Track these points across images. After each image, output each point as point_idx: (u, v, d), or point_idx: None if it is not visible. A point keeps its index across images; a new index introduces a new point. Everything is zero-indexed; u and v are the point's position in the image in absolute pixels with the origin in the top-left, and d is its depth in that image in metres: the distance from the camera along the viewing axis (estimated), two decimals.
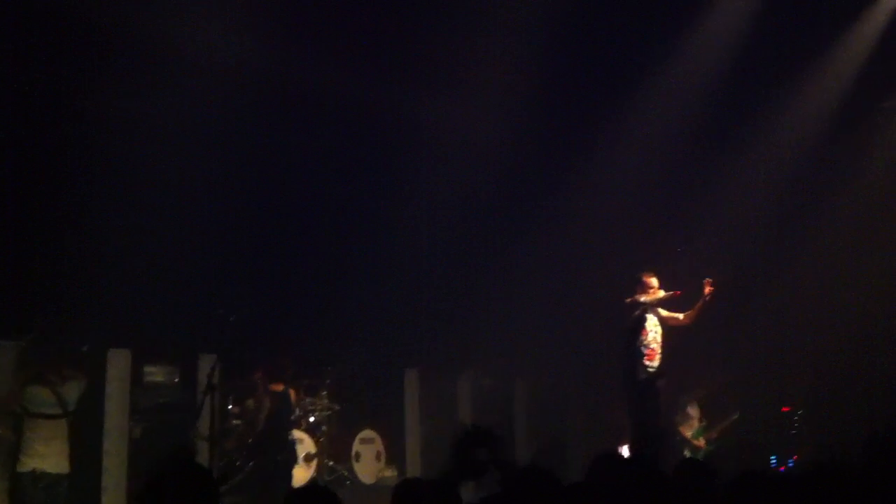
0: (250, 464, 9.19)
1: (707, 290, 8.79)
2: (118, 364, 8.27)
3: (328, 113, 9.46)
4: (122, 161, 8.29)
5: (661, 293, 8.89)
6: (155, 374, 8.61)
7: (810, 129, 10.44)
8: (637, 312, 8.89)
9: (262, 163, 9.32)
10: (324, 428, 9.92)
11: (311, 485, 8.97)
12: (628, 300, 8.89)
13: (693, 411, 10.53)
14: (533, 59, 9.05)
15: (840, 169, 10.84)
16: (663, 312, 8.98)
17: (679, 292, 8.83)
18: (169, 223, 8.61)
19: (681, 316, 8.98)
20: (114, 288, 8.06)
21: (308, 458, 9.65)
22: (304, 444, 9.66)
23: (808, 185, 10.73)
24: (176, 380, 8.73)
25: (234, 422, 9.32)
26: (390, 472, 10.29)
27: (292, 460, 9.28)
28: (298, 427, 9.71)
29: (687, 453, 10.16)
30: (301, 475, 9.46)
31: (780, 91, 10.27)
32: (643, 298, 8.85)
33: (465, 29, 8.79)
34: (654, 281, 8.97)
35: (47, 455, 7.38)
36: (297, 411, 9.78)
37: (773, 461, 10.90)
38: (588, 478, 4.15)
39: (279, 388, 9.05)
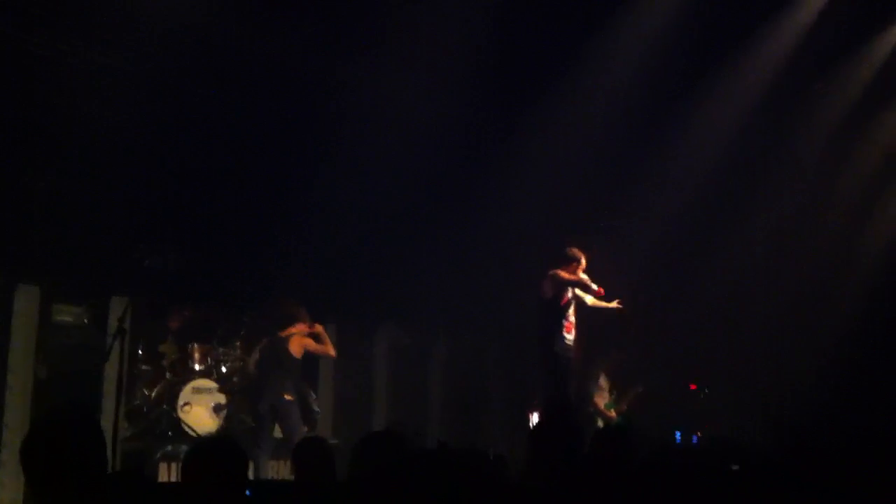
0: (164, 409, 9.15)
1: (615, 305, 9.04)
2: (26, 300, 8.09)
3: (264, 70, 9.30)
4: (44, 100, 8.07)
5: (585, 277, 9.00)
6: (64, 313, 8.43)
7: (741, 109, 10.60)
8: (562, 287, 8.98)
9: (189, 112, 9.12)
10: (235, 379, 9.83)
11: (219, 436, 8.96)
12: (561, 275, 8.92)
13: (604, 382, 10.70)
14: (474, 29, 9.01)
15: (768, 153, 11.06)
16: (579, 292, 9.11)
17: (602, 290, 8.94)
18: (88, 162, 8.40)
19: (589, 300, 9.13)
20: (25, 222, 7.86)
21: (217, 409, 9.58)
22: (215, 394, 9.58)
23: (732, 170, 10.91)
24: (85, 321, 8.56)
25: (144, 367, 9.21)
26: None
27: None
28: (210, 377, 9.64)
29: (600, 423, 10.33)
30: (210, 425, 9.41)
31: (711, 72, 10.39)
32: (572, 279, 8.93)
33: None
34: (582, 257, 9.06)
35: None
36: (209, 361, 9.70)
37: (678, 436, 11.17)
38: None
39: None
